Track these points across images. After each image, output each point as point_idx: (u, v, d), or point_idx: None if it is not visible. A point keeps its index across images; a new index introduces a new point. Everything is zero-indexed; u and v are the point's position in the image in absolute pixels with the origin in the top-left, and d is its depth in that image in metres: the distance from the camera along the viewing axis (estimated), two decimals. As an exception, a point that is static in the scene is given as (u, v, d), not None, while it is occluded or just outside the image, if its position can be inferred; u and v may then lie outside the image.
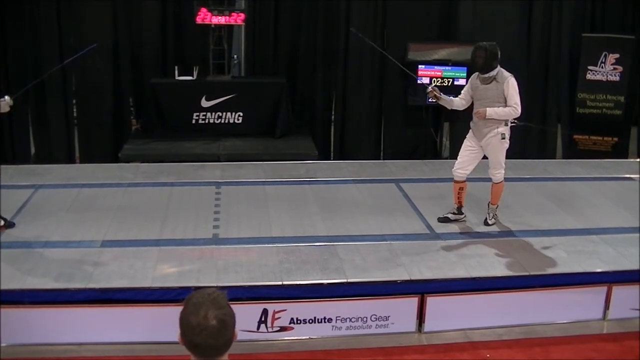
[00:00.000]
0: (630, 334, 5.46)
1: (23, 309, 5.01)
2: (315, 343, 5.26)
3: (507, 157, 6.30)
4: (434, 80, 9.36)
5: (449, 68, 9.49)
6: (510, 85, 5.98)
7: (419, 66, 9.55)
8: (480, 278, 5.48)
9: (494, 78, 6.02)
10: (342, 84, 10.12)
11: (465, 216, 6.64)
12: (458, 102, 6.35)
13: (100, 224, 6.36)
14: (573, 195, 7.60)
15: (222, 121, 9.56)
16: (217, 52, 9.68)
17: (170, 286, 5.16)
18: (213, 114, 9.51)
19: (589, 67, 9.99)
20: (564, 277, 5.62)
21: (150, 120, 9.57)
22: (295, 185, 7.72)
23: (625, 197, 7.48)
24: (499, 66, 6.04)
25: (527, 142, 10.19)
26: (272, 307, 5.19)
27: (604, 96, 10.04)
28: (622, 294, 5.62)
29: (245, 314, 5.08)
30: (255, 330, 5.18)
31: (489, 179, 6.40)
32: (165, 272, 5.43)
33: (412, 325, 5.41)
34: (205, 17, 9.26)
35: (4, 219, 6.16)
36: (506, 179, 6.43)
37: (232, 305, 2.21)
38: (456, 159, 6.48)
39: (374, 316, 5.32)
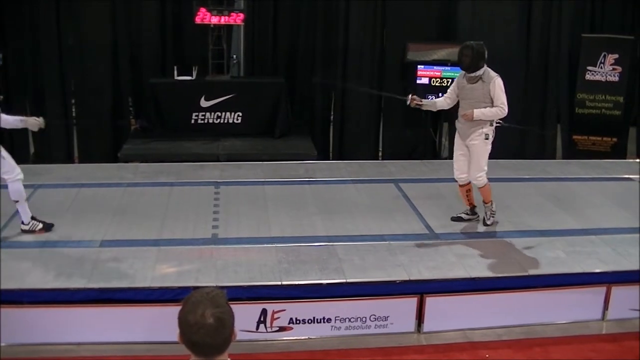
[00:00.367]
0: (629, 334, 5.47)
1: (22, 309, 5.01)
2: (314, 343, 5.25)
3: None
4: (434, 81, 9.46)
5: (448, 68, 9.48)
6: (497, 85, 5.96)
7: (418, 66, 9.55)
8: (479, 278, 5.48)
9: (480, 77, 5.99)
10: (342, 84, 10.11)
11: (478, 216, 6.60)
12: (442, 102, 6.33)
13: (99, 223, 6.36)
14: (572, 195, 7.60)
15: (222, 121, 9.54)
16: (216, 52, 9.66)
17: (169, 286, 5.15)
18: (212, 114, 9.50)
19: (588, 68, 9.98)
20: (563, 277, 5.62)
21: (149, 120, 9.56)
22: (294, 185, 7.72)
23: (624, 198, 7.49)
24: (485, 66, 6.01)
25: (526, 142, 10.21)
26: (271, 307, 5.18)
27: (603, 96, 10.03)
28: (622, 294, 5.62)
29: (245, 314, 5.07)
30: (255, 330, 5.18)
31: None
32: (164, 272, 5.43)
33: (411, 326, 5.40)
34: (205, 17, 9.24)
35: (42, 222, 6.14)
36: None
37: (231, 305, 2.21)
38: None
39: (373, 316, 5.32)
